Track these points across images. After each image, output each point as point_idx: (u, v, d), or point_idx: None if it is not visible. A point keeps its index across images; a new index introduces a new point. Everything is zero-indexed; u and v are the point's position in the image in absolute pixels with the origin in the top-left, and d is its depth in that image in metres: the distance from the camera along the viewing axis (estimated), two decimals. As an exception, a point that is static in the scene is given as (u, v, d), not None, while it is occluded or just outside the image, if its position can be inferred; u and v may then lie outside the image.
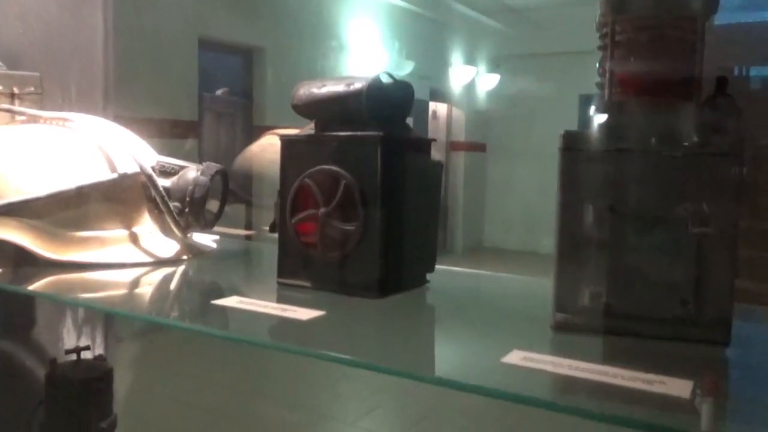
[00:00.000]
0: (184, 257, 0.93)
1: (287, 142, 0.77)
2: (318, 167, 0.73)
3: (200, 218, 0.94)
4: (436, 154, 0.83)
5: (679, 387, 0.46)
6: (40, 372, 1.20)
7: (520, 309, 0.72)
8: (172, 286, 0.83)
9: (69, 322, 1.26)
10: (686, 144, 0.56)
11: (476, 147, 8.10)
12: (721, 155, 0.55)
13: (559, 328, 0.59)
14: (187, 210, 0.92)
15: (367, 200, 0.71)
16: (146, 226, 0.93)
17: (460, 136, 7.92)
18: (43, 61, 1.19)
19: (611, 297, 0.57)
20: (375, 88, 0.72)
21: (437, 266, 0.78)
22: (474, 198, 8.11)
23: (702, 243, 0.56)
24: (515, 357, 0.52)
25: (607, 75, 0.59)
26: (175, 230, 0.93)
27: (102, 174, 0.89)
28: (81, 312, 1.28)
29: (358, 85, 0.72)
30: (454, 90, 7.77)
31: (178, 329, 0.60)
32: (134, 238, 0.91)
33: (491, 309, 0.76)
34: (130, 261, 0.88)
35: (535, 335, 0.59)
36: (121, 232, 0.90)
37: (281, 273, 0.77)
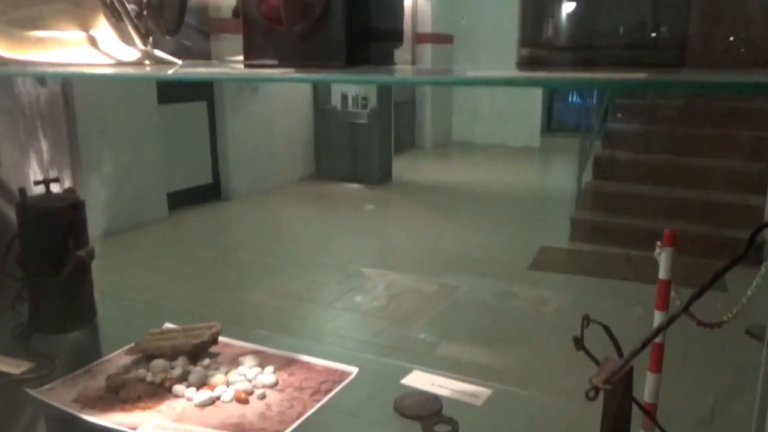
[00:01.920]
0: (146, 63, 0.91)
1: None
2: (279, -63, 0.71)
3: (159, 23, 0.91)
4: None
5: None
6: (11, 213, 1.19)
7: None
8: (138, 68, 0.82)
9: (34, 163, 1.25)
10: None
11: (443, 39, 7.92)
12: None
13: (523, 63, 0.60)
14: (145, 13, 0.90)
15: (331, -33, 0.69)
16: (104, 30, 0.90)
17: (427, 27, 7.71)
18: None
19: (573, 27, 0.59)
20: None
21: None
22: (442, 92, 8.03)
23: (661, -32, 0.56)
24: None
25: None
26: (134, 34, 0.90)
27: (52, -28, 0.85)
28: (46, 153, 1.26)
29: None
30: (419, -22, 7.51)
31: (152, 79, 0.60)
32: (93, 41, 0.88)
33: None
34: (91, 61, 0.86)
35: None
36: (80, 34, 0.87)
37: (247, 55, 0.76)
